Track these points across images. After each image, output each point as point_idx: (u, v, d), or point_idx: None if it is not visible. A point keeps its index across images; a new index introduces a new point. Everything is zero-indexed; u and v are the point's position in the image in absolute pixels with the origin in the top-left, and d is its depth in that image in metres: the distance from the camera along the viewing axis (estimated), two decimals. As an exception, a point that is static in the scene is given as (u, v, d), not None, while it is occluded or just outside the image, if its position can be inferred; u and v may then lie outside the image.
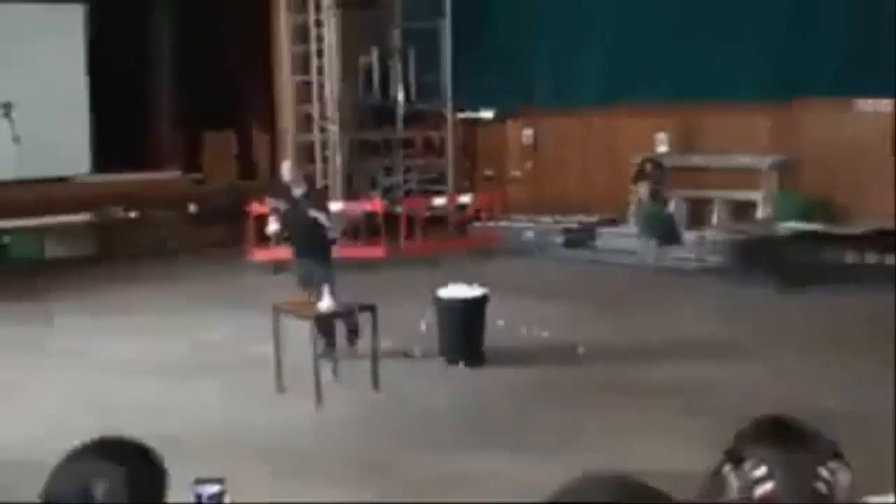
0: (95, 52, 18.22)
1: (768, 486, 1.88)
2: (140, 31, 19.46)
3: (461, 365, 9.78)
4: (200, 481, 2.57)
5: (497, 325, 10.24)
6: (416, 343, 10.41)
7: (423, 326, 10.66)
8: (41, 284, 14.35)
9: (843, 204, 14.65)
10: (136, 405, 8.69)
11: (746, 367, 9.47)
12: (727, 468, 1.94)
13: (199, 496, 2.55)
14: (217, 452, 7.25)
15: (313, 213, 10.37)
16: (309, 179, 11.59)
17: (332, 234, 10.68)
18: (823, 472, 1.89)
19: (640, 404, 8.50)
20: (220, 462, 6.67)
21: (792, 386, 8.52)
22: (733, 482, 1.92)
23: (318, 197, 11.35)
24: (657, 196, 15.42)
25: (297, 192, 10.54)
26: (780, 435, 1.96)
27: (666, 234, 15.24)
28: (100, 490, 2.18)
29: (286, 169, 11.12)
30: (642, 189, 15.34)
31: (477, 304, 10.04)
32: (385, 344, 9.45)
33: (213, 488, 2.55)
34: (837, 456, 1.94)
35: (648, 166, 15.61)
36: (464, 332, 10.04)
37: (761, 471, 1.89)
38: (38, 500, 2.24)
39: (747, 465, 1.91)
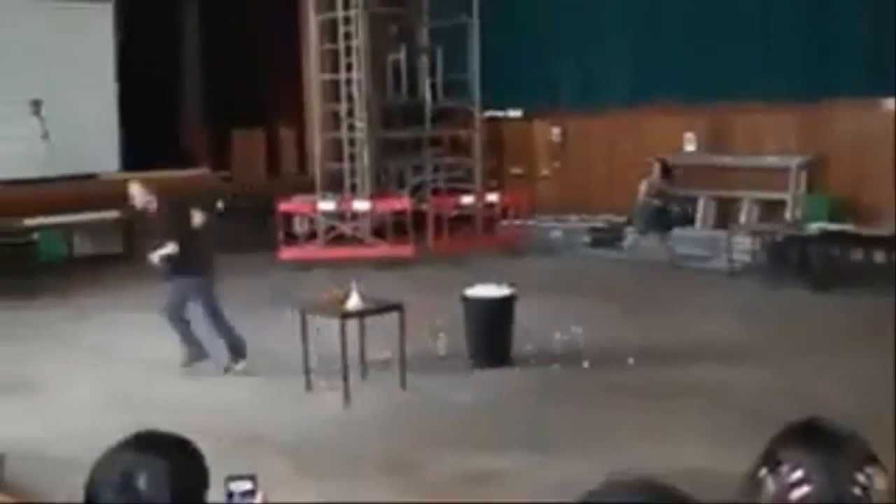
0: (124, 49, 18.32)
1: (805, 490, 1.86)
2: (169, 29, 19.56)
3: (488, 366, 9.75)
4: (232, 478, 2.57)
5: (523, 326, 10.19)
6: (441, 341, 10.41)
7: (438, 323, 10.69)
8: (70, 281, 14.45)
9: (870, 204, 14.53)
10: (164, 402, 8.73)
11: (773, 369, 9.40)
12: (763, 471, 1.92)
13: (230, 493, 2.55)
14: (244, 448, 7.27)
15: (157, 256, 9.69)
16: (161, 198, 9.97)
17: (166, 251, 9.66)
18: (860, 477, 1.87)
19: (664, 405, 8.46)
20: (246, 458, 6.70)
21: (818, 388, 8.46)
22: (770, 485, 1.90)
23: (162, 221, 9.95)
24: (653, 193, 15.87)
25: (151, 208, 9.87)
26: (818, 438, 1.94)
27: (650, 225, 15.81)
28: (142, 482, 2.20)
29: (136, 191, 9.91)
30: (643, 186, 15.66)
31: (505, 304, 10.01)
32: (411, 343, 9.44)
33: (245, 485, 2.55)
34: (874, 460, 1.91)
35: (656, 166, 15.84)
36: (491, 332, 10.01)
37: (798, 474, 1.87)
38: (82, 489, 2.26)
39: (784, 469, 1.89)
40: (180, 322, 9.88)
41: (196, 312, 9.92)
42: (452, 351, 10.16)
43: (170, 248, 9.62)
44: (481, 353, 9.93)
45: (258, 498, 2.55)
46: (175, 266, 9.68)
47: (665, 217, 15.82)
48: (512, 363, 9.86)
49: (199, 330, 9.94)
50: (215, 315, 9.87)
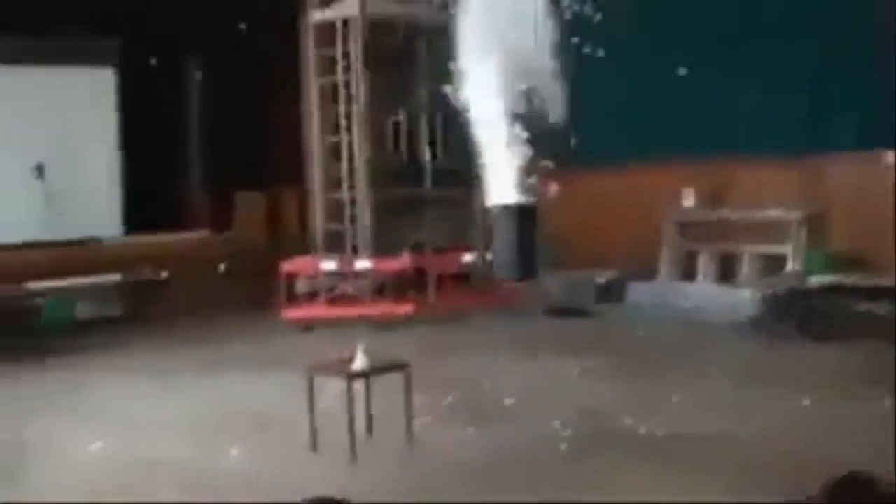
0: (126, 113, 18.46)
1: None
2: (171, 92, 19.73)
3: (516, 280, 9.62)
4: None
5: (521, 384, 10.18)
6: (450, 400, 10.42)
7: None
8: (73, 345, 14.48)
9: (871, 257, 14.58)
10: (169, 465, 8.74)
11: (773, 424, 9.41)
12: None
13: None
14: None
15: None
16: None
17: None
18: None
19: (667, 462, 8.45)
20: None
21: (822, 442, 8.46)
22: None
23: None
24: None
25: None
26: (865, 490, 1.98)
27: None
28: None
29: None
30: None
31: (529, 214, 9.92)
32: (419, 401, 9.44)
33: None
34: None
35: None
36: (516, 244, 9.89)
37: None
38: None
39: None
40: None
41: None
42: (457, 408, 10.17)
43: None
44: (507, 265, 9.84)
45: None
46: None
47: None
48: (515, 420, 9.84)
49: None
50: None
